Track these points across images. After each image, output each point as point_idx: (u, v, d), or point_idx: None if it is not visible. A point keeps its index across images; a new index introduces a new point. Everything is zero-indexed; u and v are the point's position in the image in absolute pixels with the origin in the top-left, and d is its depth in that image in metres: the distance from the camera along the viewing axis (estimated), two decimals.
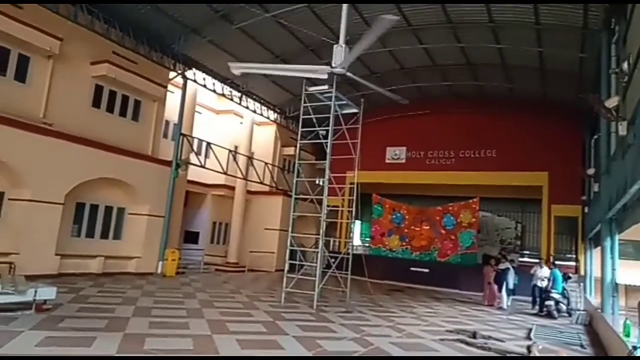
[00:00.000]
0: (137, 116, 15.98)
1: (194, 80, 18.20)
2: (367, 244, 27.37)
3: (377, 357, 7.05)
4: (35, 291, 7.69)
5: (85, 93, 14.25)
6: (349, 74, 11.31)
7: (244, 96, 20.99)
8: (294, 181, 13.54)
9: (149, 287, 12.64)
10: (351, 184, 14.79)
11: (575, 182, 19.67)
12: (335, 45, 11.48)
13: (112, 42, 14.61)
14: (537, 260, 18.98)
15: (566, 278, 14.83)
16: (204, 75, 18.66)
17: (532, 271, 15.59)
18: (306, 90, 12.57)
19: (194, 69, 17.99)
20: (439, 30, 16.33)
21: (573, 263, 21.07)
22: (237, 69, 11.16)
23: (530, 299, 15.56)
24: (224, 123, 23.11)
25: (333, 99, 12.23)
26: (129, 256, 15.48)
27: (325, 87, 12.19)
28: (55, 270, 12.70)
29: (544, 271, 15.01)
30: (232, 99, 20.49)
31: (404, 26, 16.27)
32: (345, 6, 11.52)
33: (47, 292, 7.96)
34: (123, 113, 15.51)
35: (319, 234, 12.62)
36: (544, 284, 14.60)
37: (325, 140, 12.58)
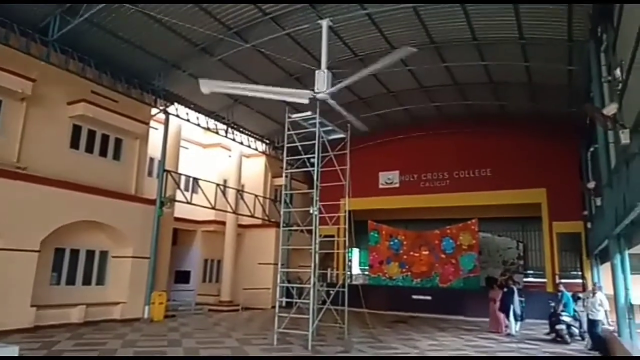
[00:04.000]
0: (118, 155, 15.44)
1: (177, 115, 17.79)
2: (366, 273, 26.55)
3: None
4: None
5: (62, 134, 13.74)
6: (330, 100, 10.86)
7: (230, 129, 20.58)
8: (281, 211, 12.92)
9: (133, 335, 11.80)
10: (345, 211, 14.24)
11: (575, 196, 19.14)
12: (317, 71, 11.09)
13: (89, 80, 14.22)
14: (563, 281, 16.35)
15: (576, 298, 14.06)
16: (187, 109, 18.26)
17: (584, 302, 12.92)
18: (289, 117, 12.12)
19: (176, 103, 17.61)
20: (422, 52, 15.94)
21: (579, 281, 20.34)
22: (207, 86, 10.34)
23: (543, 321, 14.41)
24: (211, 157, 22.61)
25: (317, 125, 11.79)
26: (114, 302, 14.62)
27: (309, 113, 11.77)
28: (31, 324, 11.81)
29: (599, 298, 11.66)
30: (217, 132, 20.06)
31: (386, 49, 16.03)
32: (325, 31, 11.20)
33: (8, 351, 7.17)
34: (103, 152, 14.98)
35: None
36: (599, 315, 11.49)
37: (313, 168, 12.05)
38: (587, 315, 11.98)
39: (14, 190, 11.74)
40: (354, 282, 23.89)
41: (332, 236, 20.54)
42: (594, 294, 12.03)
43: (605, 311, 11.59)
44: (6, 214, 11.61)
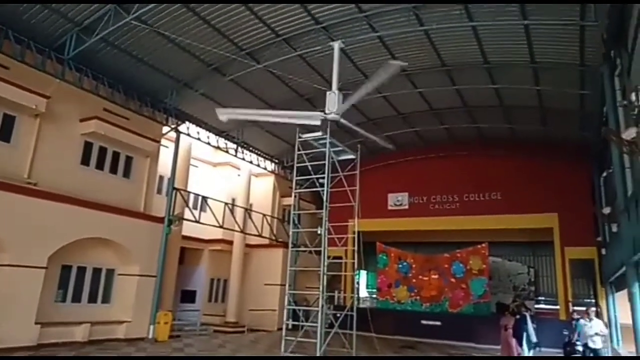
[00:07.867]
0: (128, 172, 15.48)
1: (188, 134, 17.89)
2: (374, 296, 26.11)
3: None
4: None
5: (74, 150, 13.83)
6: (342, 120, 10.92)
7: (240, 148, 20.64)
8: (290, 232, 12.78)
9: (137, 355, 11.58)
10: (353, 232, 14.05)
11: (588, 222, 18.81)
12: (328, 92, 11.19)
13: (102, 98, 14.36)
14: (577, 308, 15.94)
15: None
16: (198, 128, 18.37)
17: (578, 324, 12.84)
18: (300, 137, 12.11)
19: (187, 122, 17.72)
20: (433, 74, 16.15)
21: (593, 309, 19.78)
22: (224, 114, 10.77)
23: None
24: (221, 175, 22.64)
25: (327, 145, 11.73)
26: (119, 321, 14.42)
27: (319, 133, 11.73)
28: (34, 342, 11.66)
29: (597, 325, 11.71)
30: (227, 151, 20.12)
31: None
32: (336, 53, 11.32)
33: None
34: (114, 170, 15.02)
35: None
36: (598, 344, 11.45)
37: (322, 189, 11.96)
38: (587, 344, 11.75)
39: (23, 206, 11.74)
40: (361, 305, 23.50)
41: (340, 258, 20.34)
42: (590, 319, 11.86)
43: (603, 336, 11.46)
44: (14, 229, 11.58)
